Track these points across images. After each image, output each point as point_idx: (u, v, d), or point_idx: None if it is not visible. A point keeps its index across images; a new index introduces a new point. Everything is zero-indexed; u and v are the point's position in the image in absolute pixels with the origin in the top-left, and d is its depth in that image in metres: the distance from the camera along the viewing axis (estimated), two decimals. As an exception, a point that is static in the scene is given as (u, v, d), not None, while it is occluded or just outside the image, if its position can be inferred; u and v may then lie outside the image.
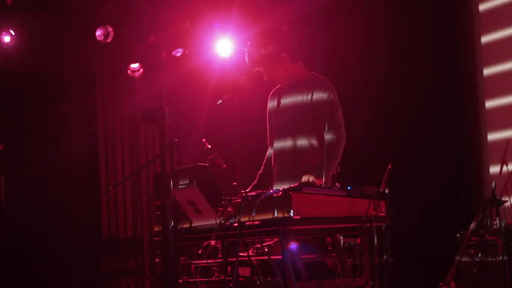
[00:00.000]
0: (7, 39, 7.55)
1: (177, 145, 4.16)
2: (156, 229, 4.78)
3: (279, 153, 4.96)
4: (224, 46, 7.69)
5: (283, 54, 4.86)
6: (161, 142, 3.34)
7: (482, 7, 7.05)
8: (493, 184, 5.61)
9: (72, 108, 8.15)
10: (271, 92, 5.13)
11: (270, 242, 4.32)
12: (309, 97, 4.85)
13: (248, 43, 4.91)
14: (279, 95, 5.05)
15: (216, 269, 4.54)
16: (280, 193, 4.00)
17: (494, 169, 6.75)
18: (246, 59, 4.93)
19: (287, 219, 3.95)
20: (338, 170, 4.97)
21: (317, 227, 4.28)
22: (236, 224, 4.15)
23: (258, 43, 4.87)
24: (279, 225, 3.93)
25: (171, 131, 3.72)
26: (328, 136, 4.71)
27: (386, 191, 4.63)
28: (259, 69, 4.93)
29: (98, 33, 7.70)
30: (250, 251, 4.30)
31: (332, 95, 4.82)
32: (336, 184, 4.44)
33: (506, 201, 5.38)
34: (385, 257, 6.08)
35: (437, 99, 7.19)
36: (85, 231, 8.19)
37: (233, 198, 4.29)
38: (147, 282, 8.39)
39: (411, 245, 6.90)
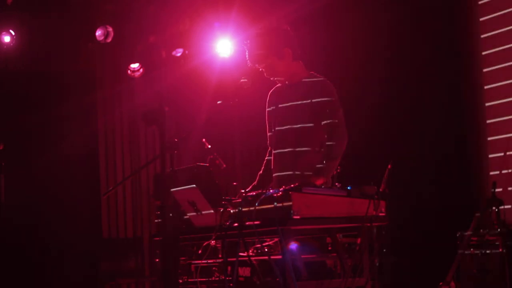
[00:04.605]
0: (7, 39, 7.55)
1: (177, 145, 4.16)
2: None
3: (279, 154, 4.95)
4: (224, 46, 7.70)
5: (286, 49, 4.86)
6: (161, 142, 3.34)
7: (482, 5, 7.05)
8: (493, 184, 5.62)
9: (72, 108, 8.15)
10: (270, 92, 5.12)
11: (270, 242, 4.31)
12: (309, 97, 4.83)
13: (249, 41, 4.90)
14: (278, 95, 5.03)
15: (216, 269, 4.53)
16: (280, 193, 4.00)
17: (494, 169, 6.74)
18: (247, 55, 4.91)
19: (287, 219, 3.95)
20: (338, 170, 4.96)
21: (317, 227, 4.28)
22: (236, 224, 4.14)
23: (260, 37, 4.86)
24: (279, 225, 3.93)
25: (171, 131, 3.71)
26: (329, 137, 4.70)
27: (386, 191, 4.64)
28: (259, 66, 4.91)
29: (98, 33, 7.71)
30: (250, 251, 4.29)
31: (332, 95, 4.81)
32: (336, 184, 4.44)
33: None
34: (385, 257, 6.08)
35: (437, 99, 7.19)
36: (85, 231, 8.19)
37: (233, 198, 4.29)
38: (147, 282, 8.39)
39: (411, 245, 6.90)
